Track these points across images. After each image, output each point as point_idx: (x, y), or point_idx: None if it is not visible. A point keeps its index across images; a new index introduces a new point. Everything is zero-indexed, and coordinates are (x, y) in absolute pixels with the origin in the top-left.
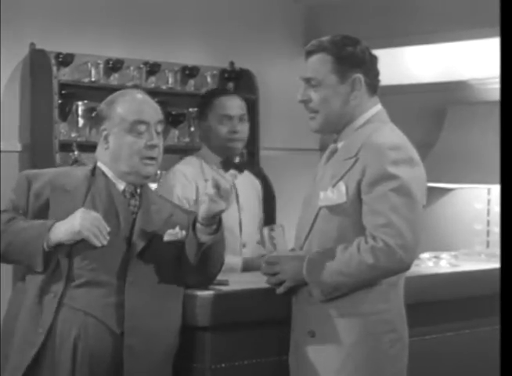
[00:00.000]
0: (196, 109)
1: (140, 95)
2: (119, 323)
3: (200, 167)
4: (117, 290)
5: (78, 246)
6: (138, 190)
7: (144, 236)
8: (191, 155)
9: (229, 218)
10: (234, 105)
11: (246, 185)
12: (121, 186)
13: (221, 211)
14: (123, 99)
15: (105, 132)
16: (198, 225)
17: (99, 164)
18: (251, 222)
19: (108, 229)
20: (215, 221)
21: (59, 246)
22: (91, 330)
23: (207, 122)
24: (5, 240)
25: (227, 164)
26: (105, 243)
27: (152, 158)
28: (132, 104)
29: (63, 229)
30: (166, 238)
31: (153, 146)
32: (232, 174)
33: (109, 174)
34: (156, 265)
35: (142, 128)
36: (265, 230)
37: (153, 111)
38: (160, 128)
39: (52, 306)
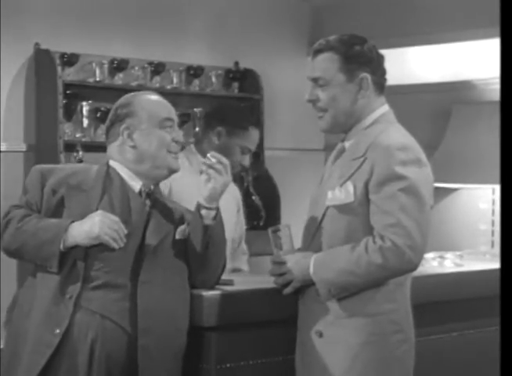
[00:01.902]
0: (214, 114)
1: (157, 95)
2: (133, 324)
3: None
4: (130, 291)
5: (95, 248)
6: (152, 189)
7: (156, 236)
8: None
9: None
10: (255, 140)
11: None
12: (137, 186)
13: (227, 184)
14: (146, 98)
15: (127, 131)
16: (203, 212)
17: (111, 163)
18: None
19: (125, 231)
20: (217, 203)
21: (75, 247)
22: (107, 333)
23: (225, 139)
24: (19, 239)
25: None
26: (122, 245)
27: (176, 153)
28: (159, 102)
29: (81, 232)
30: (177, 236)
31: (179, 142)
32: None
33: (125, 174)
34: (167, 265)
35: (170, 124)
36: (271, 231)
37: (173, 111)
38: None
39: (69, 308)
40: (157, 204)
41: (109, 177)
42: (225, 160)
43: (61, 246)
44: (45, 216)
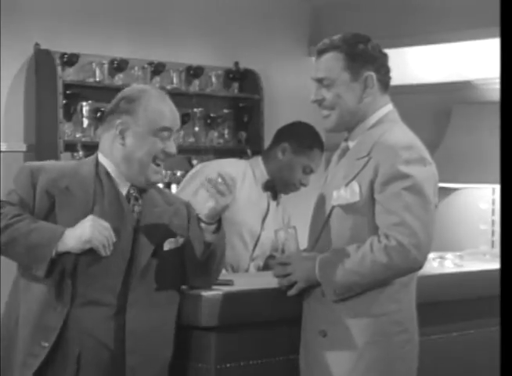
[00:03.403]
0: (284, 129)
1: (167, 98)
2: (121, 344)
3: (253, 174)
4: (118, 309)
5: (83, 259)
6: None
7: (146, 252)
8: (243, 159)
9: (246, 229)
10: (319, 162)
11: (278, 213)
12: (125, 187)
13: (227, 207)
14: (154, 100)
15: (121, 127)
16: (202, 225)
17: (101, 159)
18: (267, 243)
19: (114, 239)
20: (218, 218)
21: (64, 255)
22: (92, 350)
23: (289, 156)
24: (9, 235)
25: (269, 187)
26: (109, 253)
27: (160, 164)
28: (163, 107)
29: (73, 237)
30: (166, 247)
31: (169, 155)
32: (268, 195)
33: (113, 173)
34: (156, 279)
35: (166, 134)
36: (276, 232)
37: (177, 118)
38: (175, 135)
39: (58, 323)
40: (147, 210)
41: (100, 182)
42: (230, 180)
43: (53, 252)
44: (36, 217)
